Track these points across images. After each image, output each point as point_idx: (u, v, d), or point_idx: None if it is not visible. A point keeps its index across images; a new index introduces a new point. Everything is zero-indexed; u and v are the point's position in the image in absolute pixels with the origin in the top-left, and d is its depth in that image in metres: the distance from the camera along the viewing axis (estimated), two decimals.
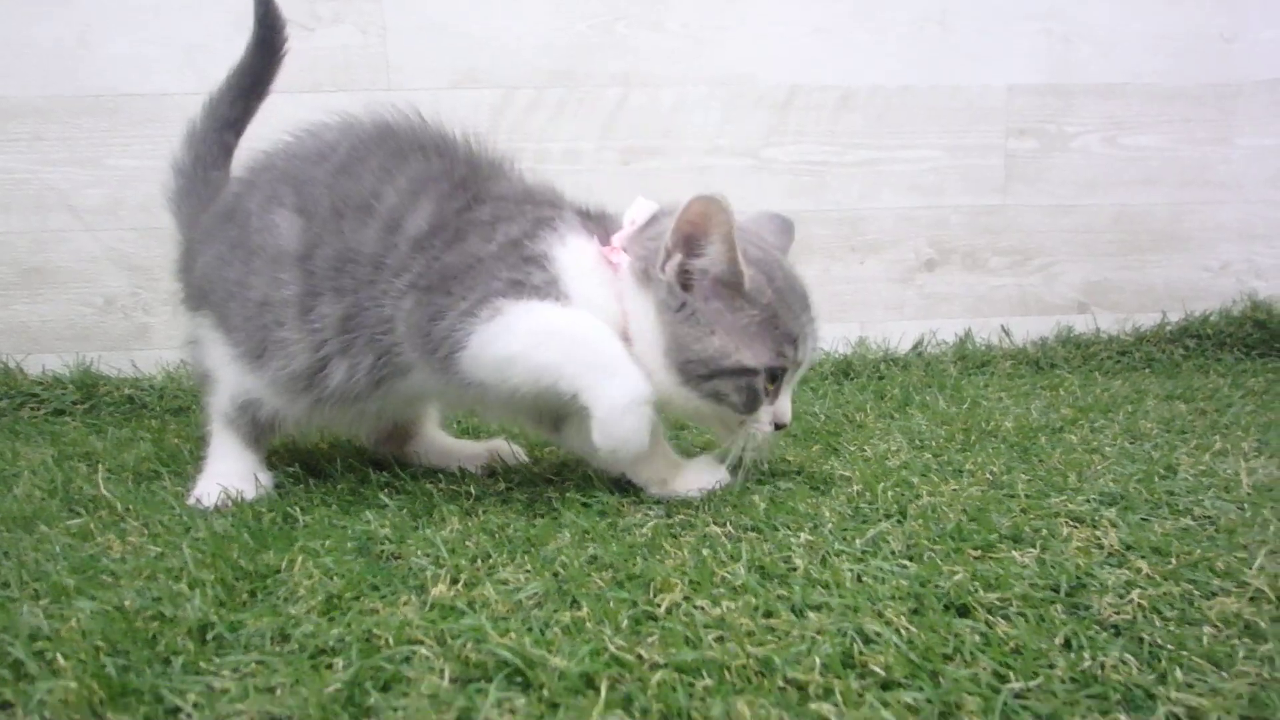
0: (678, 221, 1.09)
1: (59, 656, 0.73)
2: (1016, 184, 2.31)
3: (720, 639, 0.75)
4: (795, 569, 0.90)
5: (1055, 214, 2.33)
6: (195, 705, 0.67)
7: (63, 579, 0.89)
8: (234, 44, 2.03)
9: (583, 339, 1.08)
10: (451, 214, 1.17)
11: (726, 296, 1.11)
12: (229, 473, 1.25)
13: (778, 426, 1.16)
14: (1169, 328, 2.30)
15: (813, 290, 1.20)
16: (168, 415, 1.87)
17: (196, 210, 1.38)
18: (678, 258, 1.11)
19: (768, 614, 0.80)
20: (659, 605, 0.81)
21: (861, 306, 2.31)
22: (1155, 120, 2.32)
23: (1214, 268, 2.39)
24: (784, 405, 1.17)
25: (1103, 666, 0.70)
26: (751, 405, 1.13)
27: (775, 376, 1.13)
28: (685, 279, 1.11)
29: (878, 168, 2.27)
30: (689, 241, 1.10)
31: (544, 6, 2.14)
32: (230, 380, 1.26)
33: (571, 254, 1.14)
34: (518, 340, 1.07)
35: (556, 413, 1.25)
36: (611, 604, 0.82)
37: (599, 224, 1.21)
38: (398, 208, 1.17)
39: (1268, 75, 2.32)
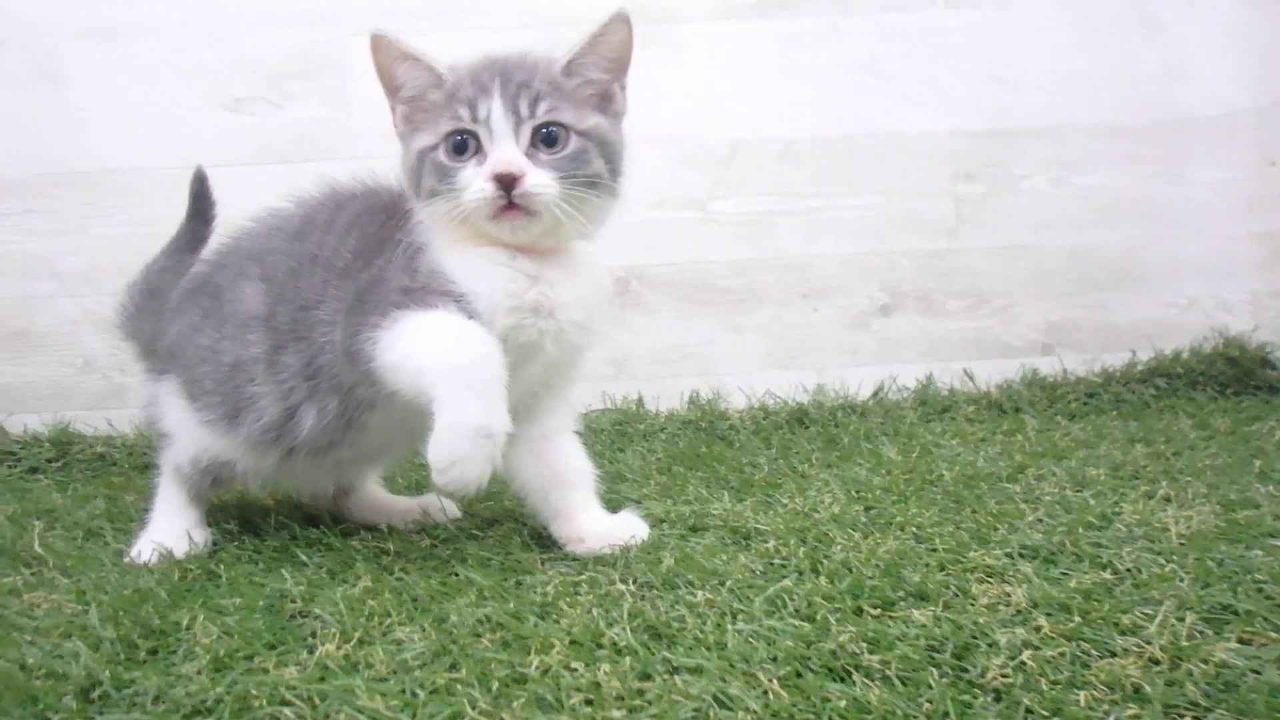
0: (377, 71, 1.18)
1: None
2: (966, 227, 2.30)
3: (588, 702, 0.73)
4: (685, 629, 0.88)
5: (1008, 255, 2.32)
6: None
7: None
8: (209, 121, 2.18)
9: (451, 338, 1.06)
10: (373, 233, 1.22)
11: (428, 99, 1.18)
12: (167, 530, 1.28)
13: (499, 178, 1.10)
14: (1139, 367, 2.24)
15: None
16: (134, 472, 1.87)
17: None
18: (400, 109, 1.20)
19: (645, 676, 0.79)
20: (532, 667, 0.80)
21: (815, 353, 2.29)
22: (1103, 160, 2.32)
23: (1180, 304, 2.35)
24: (494, 156, 1.12)
25: None
26: (442, 177, 1.13)
27: (463, 145, 1.13)
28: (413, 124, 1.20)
29: (822, 215, 2.28)
30: (392, 84, 1.19)
31: None
32: (192, 441, 1.29)
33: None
34: (400, 345, 1.07)
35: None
36: (491, 666, 0.81)
37: None
38: (335, 248, 1.23)
39: (1217, 111, 2.31)
